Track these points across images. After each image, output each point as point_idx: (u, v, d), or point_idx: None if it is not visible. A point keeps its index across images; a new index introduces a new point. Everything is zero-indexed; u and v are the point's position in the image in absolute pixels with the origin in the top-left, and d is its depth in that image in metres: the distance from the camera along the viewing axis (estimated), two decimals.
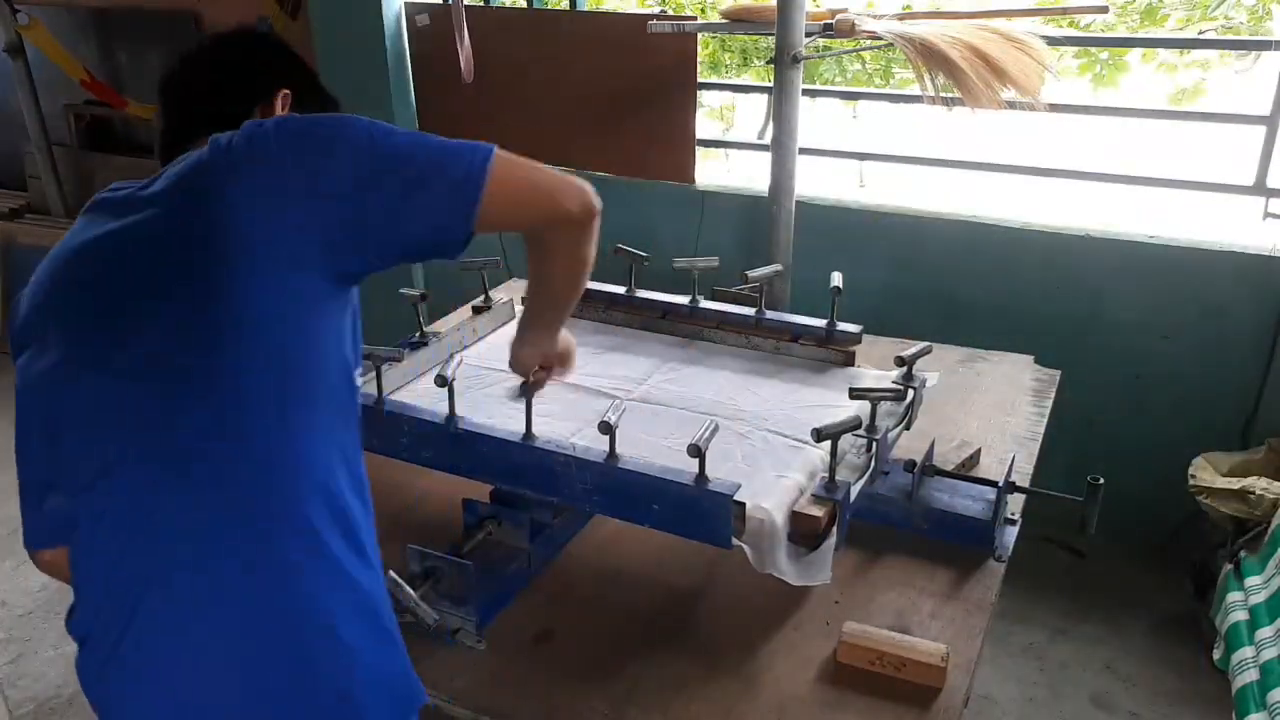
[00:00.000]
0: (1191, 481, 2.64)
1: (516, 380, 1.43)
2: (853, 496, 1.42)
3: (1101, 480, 1.46)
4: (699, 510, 1.29)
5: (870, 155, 3.83)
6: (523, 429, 1.41)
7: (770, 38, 2.83)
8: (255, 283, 1.01)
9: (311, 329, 1.06)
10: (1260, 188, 2.82)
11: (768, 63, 2.92)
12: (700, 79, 3.46)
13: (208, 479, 1.03)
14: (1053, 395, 2.04)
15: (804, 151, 3.03)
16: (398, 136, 1.07)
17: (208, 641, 1.03)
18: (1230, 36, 5.65)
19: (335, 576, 1.07)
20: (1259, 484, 2.48)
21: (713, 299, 2.01)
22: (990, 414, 1.95)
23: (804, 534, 1.37)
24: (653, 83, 3.42)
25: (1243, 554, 2.45)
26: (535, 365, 1.45)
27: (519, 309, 2.11)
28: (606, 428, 1.32)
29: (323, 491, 1.07)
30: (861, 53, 5.84)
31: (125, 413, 1.04)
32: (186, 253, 1.03)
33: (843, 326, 1.85)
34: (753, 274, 1.89)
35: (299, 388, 1.05)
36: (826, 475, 1.42)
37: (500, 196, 1.07)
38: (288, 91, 1.28)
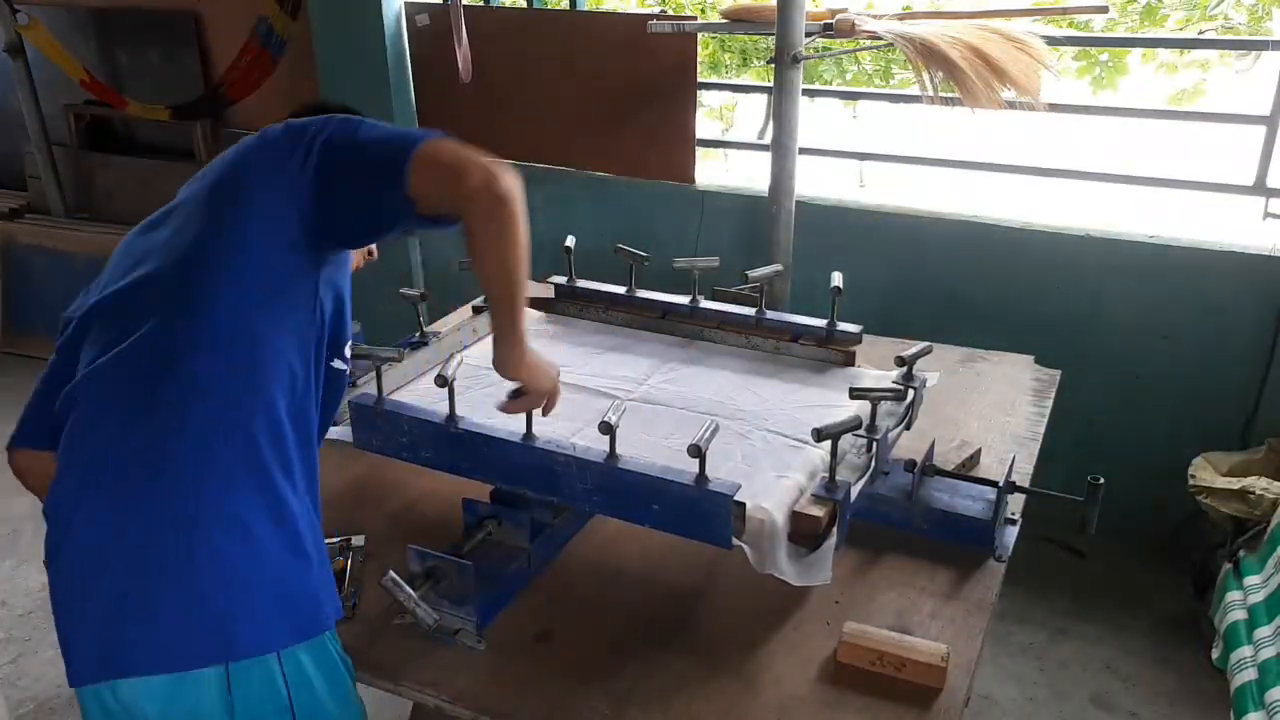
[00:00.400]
0: (1191, 481, 2.64)
1: (515, 382, 1.41)
2: (853, 496, 1.43)
3: (1101, 480, 1.46)
4: (699, 510, 1.30)
5: (870, 155, 3.83)
6: (523, 429, 1.41)
7: (770, 38, 2.83)
8: (243, 214, 1.25)
9: (286, 264, 1.26)
10: (1260, 188, 2.82)
11: (768, 63, 2.92)
12: (700, 79, 3.46)
13: (166, 367, 1.21)
14: (1053, 395, 2.04)
15: (804, 151, 3.03)
16: (369, 132, 1.26)
17: (121, 499, 1.19)
18: (1230, 36, 5.65)
19: (259, 482, 1.21)
20: (1259, 484, 2.48)
21: (713, 299, 2.01)
22: (990, 414, 1.95)
23: (804, 534, 1.38)
24: (653, 83, 3.42)
25: (1242, 553, 2.45)
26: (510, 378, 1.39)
27: None
28: (607, 428, 1.32)
29: (266, 406, 1.22)
30: (860, 54, 5.84)
31: (114, 317, 1.26)
32: (215, 200, 1.28)
33: (843, 326, 1.85)
34: (753, 274, 1.89)
35: (267, 310, 1.24)
36: (827, 475, 1.42)
37: (422, 172, 1.22)
38: None
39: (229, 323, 1.22)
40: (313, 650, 1.24)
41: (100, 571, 1.19)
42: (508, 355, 1.34)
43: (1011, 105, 2.75)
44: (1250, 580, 2.35)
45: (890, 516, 1.59)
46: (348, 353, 1.40)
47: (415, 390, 1.75)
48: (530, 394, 1.39)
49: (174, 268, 1.25)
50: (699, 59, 3.40)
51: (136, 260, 1.30)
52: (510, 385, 1.39)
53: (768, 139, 3.02)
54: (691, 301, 1.98)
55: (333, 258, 1.33)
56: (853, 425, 1.38)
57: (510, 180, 1.24)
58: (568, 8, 3.92)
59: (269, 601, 1.20)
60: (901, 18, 2.91)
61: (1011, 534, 1.59)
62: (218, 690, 1.18)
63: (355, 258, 1.55)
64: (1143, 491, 2.94)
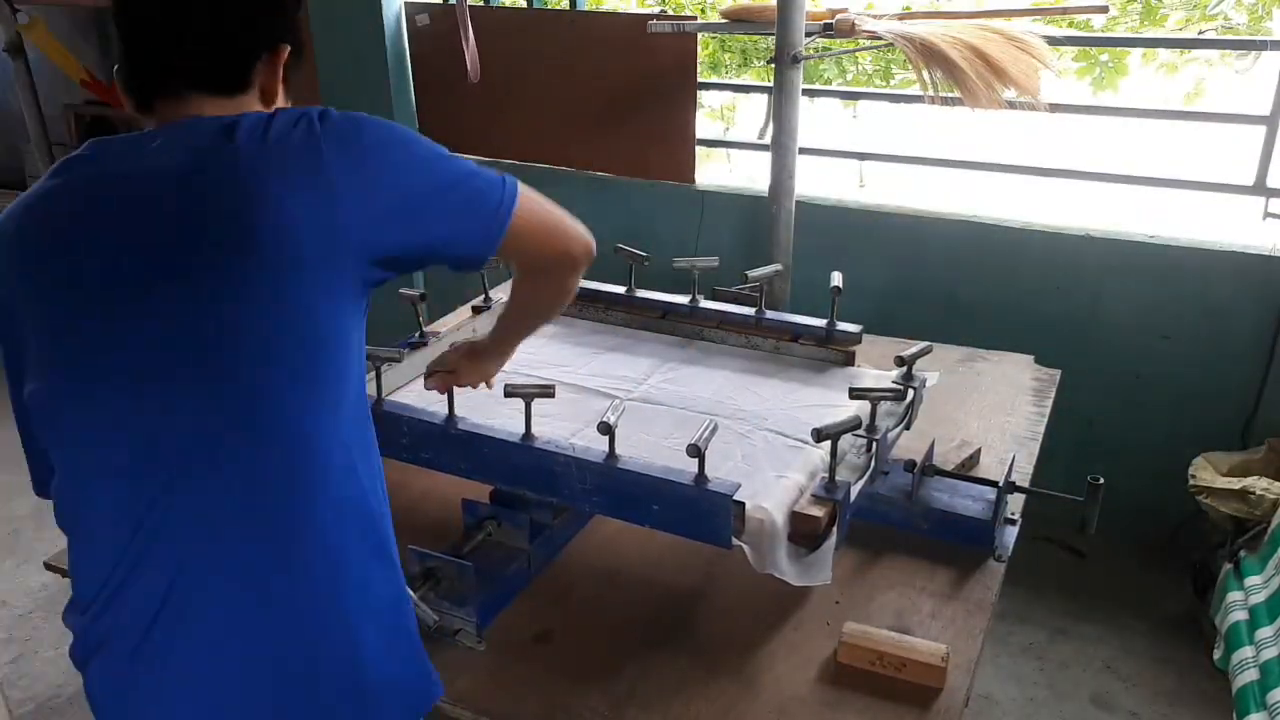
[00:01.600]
0: (1191, 481, 2.64)
1: (515, 380, 1.43)
2: (853, 496, 1.42)
3: (1101, 480, 1.46)
4: (699, 510, 1.30)
5: (870, 155, 3.83)
6: (522, 429, 1.41)
7: (770, 38, 2.83)
8: (286, 279, 0.99)
9: (338, 330, 1.05)
10: (1260, 188, 2.82)
11: (768, 63, 2.92)
12: (700, 79, 3.46)
13: (228, 477, 1.02)
14: (1053, 395, 2.04)
15: (804, 151, 3.03)
16: (441, 162, 1.10)
17: (226, 639, 1.04)
18: (1230, 36, 5.65)
19: (351, 578, 1.08)
20: (1259, 484, 2.48)
21: (713, 299, 2.01)
22: (990, 414, 1.95)
23: (804, 534, 1.37)
24: (653, 83, 3.42)
25: (1242, 554, 2.45)
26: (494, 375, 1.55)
27: None
28: (606, 428, 1.32)
29: (343, 493, 1.07)
30: (860, 54, 5.84)
31: (126, 408, 1.01)
32: (212, 242, 0.99)
33: (843, 326, 1.85)
34: (753, 274, 1.89)
35: (322, 388, 1.04)
36: (826, 475, 1.42)
37: (521, 231, 1.14)
38: (288, 47, 1.13)
39: (287, 433, 1.03)
40: None
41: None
42: (495, 368, 1.52)
43: (1011, 105, 2.75)
44: (1251, 580, 2.35)
45: (890, 516, 1.59)
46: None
47: (415, 390, 1.75)
48: (460, 378, 1.51)
49: (180, 338, 0.99)
50: (699, 59, 3.40)
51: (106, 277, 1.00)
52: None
53: (768, 139, 3.02)
54: (691, 301, 1.98)
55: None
56: (852, 425, 1.38)
57: (592, 237, 1.27)
58: (568, 8, 3.92)
59: (384, 692, 1.12)
60: (901, 18, 2.91)
61: (1011, 534, 1.58)
62: None
63: None
64: (1143, 491, 2.93)
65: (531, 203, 1.16)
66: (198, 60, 1.07)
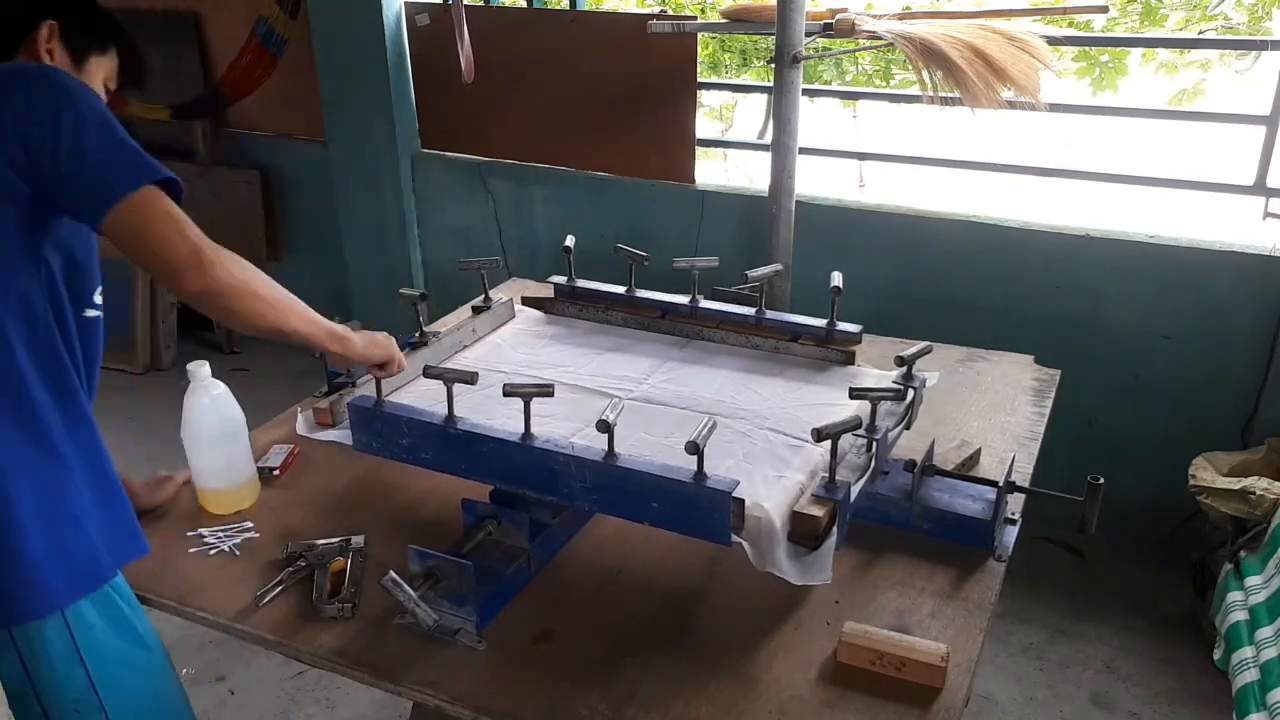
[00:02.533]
0: (1191, 481, 2.64)
1: (514, 380, 1.43)
2: (853, 496, 1.42)
3: (1101, 480, 1.46)
4: (698, 507, 1.29)
5: (870, 155, 3.84)
6: (522, 429, 1.41)
7: (770, 38, 2.84)
8: None
9: None
10: (1260, 188, 2.82)
11: (768, 63, 2.92)
12: (700, 79, 3.46)
13: None
14: (1053, 395, 2.04)
15: (804, 151, 3.03)
16: (104, 123, 1.27)
17: None
18: (1230, 36, 5.66)
19: (14, 462, 1.26)
20: (1259, 484, 2.48)
21: (713, 299, 2.01)
22: (990, 414, 1.95)
23: (804, 534, 1.37)
24: (653, 83, 3.42)
25: (1242, 554, 2.45)
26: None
27: (519, 309, 2.12)
28: (605, 426, 1.32)
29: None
30: (859, 55, 5.84)
31: None
32: None
33: (843, 326, 1.85)
34: (753, 274, 1.89)
35: None
36: (826, 475, 1.42)
37: (124, 226, 1.25)
38: (53, 23, 1.38)
39: None
40: (96, 600, 1.34)
41: None
42: (338, 358, 1.55)
43: (1011, 105, 2.75)
44: (1251, 581, 2.35)
45: (890, 516, 1.59)
46: (98, 299, 1.43)
47: (415, 390, 1.75)
48: (382, 367, 1.58)
49: None
50: (699, 59, 3.40)
51: None
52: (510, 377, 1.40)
53: (768, 139, 3.02)
54: (691, 301, 1.98)
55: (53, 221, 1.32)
56: (853, 425, 1.38)
57: (215, 274, 1.28)
58: (568, 8, 3.92)
59: (43, 567, 1.27)
60: (901, 18, 2.91)
61: (1011, 534, 1.58)
62: (8, 648, 1.29)
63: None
64: (1143, 491, 2.94)
65: (149, 214, 1.25)
66: None
